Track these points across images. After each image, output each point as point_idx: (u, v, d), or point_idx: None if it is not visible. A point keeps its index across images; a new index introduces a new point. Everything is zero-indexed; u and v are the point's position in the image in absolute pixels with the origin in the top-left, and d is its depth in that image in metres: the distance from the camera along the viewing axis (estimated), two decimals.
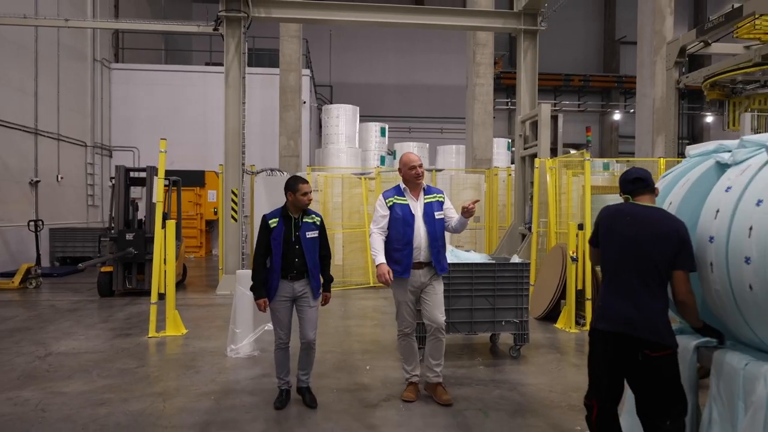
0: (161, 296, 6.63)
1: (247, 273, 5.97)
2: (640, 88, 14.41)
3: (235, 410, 4.23)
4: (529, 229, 9.04)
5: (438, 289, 4.37)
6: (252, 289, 4.18)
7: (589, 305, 6.76)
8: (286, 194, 4.16)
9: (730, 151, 3.00)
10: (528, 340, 5.64)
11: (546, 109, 8.70)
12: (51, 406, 4.27)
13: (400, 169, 4.42)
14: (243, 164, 9.80)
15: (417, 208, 4.31)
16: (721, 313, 2.84)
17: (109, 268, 9.11)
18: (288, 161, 13.72)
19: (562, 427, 3.90)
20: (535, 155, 9.06)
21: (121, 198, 9.27)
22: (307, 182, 4.16)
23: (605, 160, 14.10)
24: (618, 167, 14.26)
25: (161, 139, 6.71)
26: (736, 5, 9.09)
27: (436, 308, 4.32)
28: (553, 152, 8.87)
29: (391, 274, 4.17)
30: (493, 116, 15.76)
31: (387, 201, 4.32)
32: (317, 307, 4.26)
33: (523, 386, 4.79)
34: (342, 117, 14.72)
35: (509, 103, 26.03)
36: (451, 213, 4.44)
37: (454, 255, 5.78)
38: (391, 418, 4.10)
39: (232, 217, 9.72)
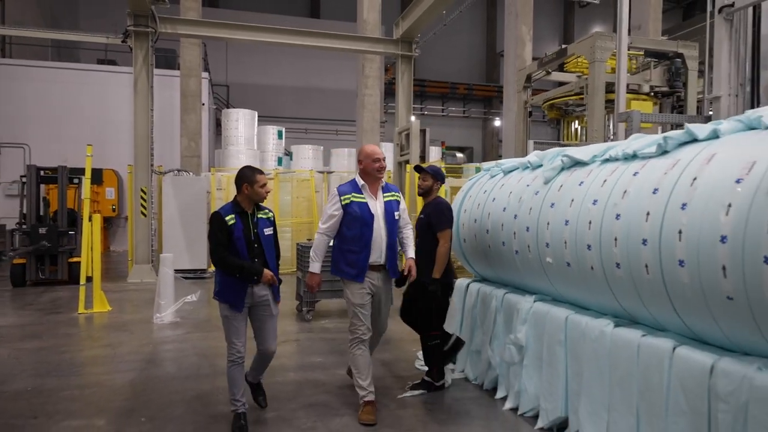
0: (89, 279, 8.04)
1: (170, 256, 7.66)
2: (507, 102, 17.25)
3: (172, 351, 5.95)
4: None
5: (390, 296, 4.33)
6: (247, 272, 3.74)
7: None
8: (239, 186, 3.76)
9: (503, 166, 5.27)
10: (392, 302, 7.80)
11: (416, 123, 10.98)
12: (22, 357, 5.74)
13: (360, 161, 4.15)
14: (152, 165, 11.19)
15: (377, 206, 4.08)
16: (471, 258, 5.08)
17: (22, 260, 10.15)
18: (189, 161, 15.01)
19: (402, 354, 6.04)
20: (408, 161, 11.34)
21: (33, 195, 10.33)
22: (263, 173, 3.84)
23: (475, 165, 16.78)
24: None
25: (88, 144, 8.12)
26: (579, 40, 11.95)
27: (386, 314, 4.31)
28: (422, 159, 11.18)
29: (320, 287, 4.19)
30: (382, 121, 18.03)
31: (343, 198, 4.01)
32: (278, 314, 4.04)
33: (392, 330, 6.92)
34: (241, 120, 16.29)
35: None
36: (404, 215, 4.30)
37: None
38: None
39: (142, 213, 11.08)
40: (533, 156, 4.53)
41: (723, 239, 2.45)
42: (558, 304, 3.93)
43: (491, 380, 4.60)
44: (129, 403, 4.42)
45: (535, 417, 3.96)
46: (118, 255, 16.84)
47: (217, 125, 22.86)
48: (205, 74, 19.14)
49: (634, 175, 3.18)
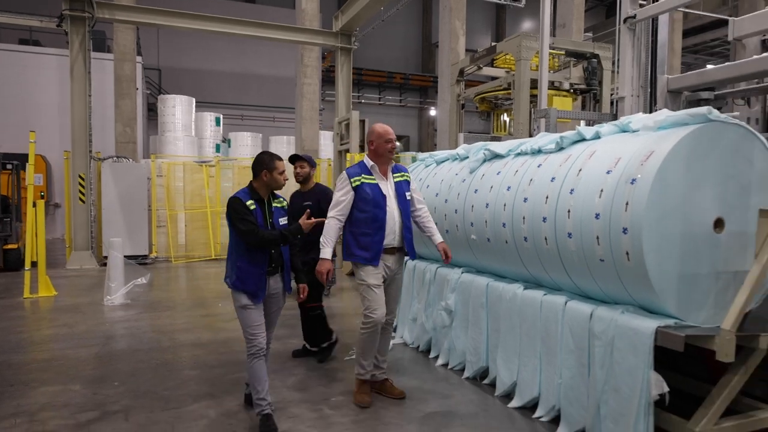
0: (34, 264, 8.24)
1: (119, 240, 8.01)
2: (441, 94, 18.20)
3: (129, 329, 6.40)
4: None
5: (402, 279, 4.33)
6: (293, 235, 3.64)
7: None
8: (258, 172, 3.65)
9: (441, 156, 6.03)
10: (335, 281, 8.49)
11: (355, 114, 11.63)
12: None
13: (371, 142, 4.07)
14: (90, 151, 11.30)
15: (388, 187, 4.06)
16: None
17: None
18: (125, 147, 15.00)
19: (347, 326, 6.76)
20: (348, 150, 11.99)
21: None
22: (282, 159, 3.73)
23: (411, 154, 17.63)
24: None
25: (30, 131, 8.26)
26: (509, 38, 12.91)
27: (396, 300, 4.28)
28: (362, 148, 11.86)
29: (331, 275, 4.10)
30: (321, 109, 18.54)
31: (352, 180, 3.97)
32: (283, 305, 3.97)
33: (331, 308, 7.62)
34: (179, 106, 16.40)
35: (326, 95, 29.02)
36: (416, 195, 4.27)
37: None
38: None
39: (80, 199, 11.19)
40: (461, 149, 5.33)
41: (597, 216, 3.30)
42: (481, 274, 4.74)
43: (425, 343, 5.39)
44: (99, 372, 4.90)
45: (462, 369, 4.79)
46: (50, 242, 16.57)
47: (150, 110, 22.60)
48: (139, 58, 18.98)
49: (539, 166, 4.01)
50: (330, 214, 4.03)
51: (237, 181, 13.53)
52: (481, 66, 14.07)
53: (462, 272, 4.91)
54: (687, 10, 13.57)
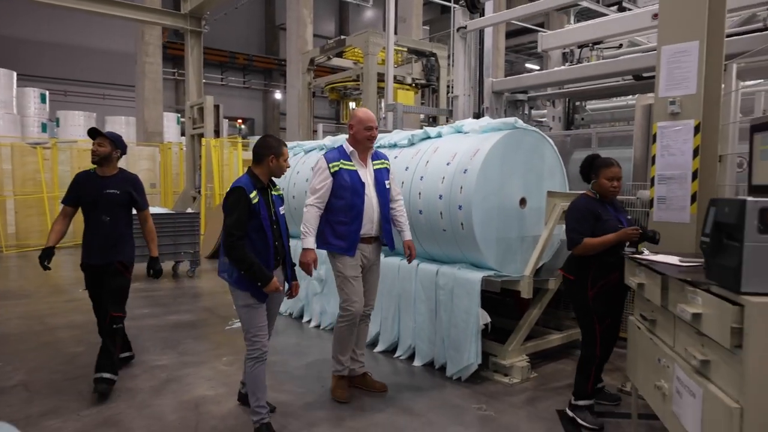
0: None
1: None
2: (290, 80, 18.86)
3: None
4: (199, 192, 12.32)
5: (379, 269, 4.24)
6: (259, 277, 3.30)
7: None
8: (262, 158, 3.46)
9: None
10: (199, 264, 9.01)
11: (210, 100, 12.00)
12: None
13: (351, 126, 4.00)
14: None
15: (366, 175, 3.99)
16: None
17: None
18: None
19: (219, 302, 7.42)
20: (202, 135, 12.31)
21: None
22: (286, 144, 3.58)
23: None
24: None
25: None
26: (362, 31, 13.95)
27: (374, 291, 4.21)
28: (216, 133, 12.26)
29: (316, 265, 4.00)
30: (162, 92, 18.17)
31: (331, 165, 3.89)
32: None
33: (199, 288, 8.17)
34: None
35: (176, 74, 28.17)
36: (394, 186, 4.15)
37: None
38: None
39: None
40: (327, 140, 6.28)
41: (440, 197, 4.48)
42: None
43: (299, 310, 6.31)
44: None
45: (375, 344, 5.64)
46: None
47: None
48: None
49: (395, 158, 5.12)
50: (309, 201, 3.92)
51: (76, 164, 13.08)
52: (331, 57, 15.05)
53: None
54: (509, 18, 15.73)
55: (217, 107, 12.10)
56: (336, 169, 3.90)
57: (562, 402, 3.99)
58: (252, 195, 3.34)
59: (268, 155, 3.44)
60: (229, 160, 12.52)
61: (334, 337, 4.13)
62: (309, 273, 3.95)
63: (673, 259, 2.99)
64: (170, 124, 19.39)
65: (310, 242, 3.93)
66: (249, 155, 13.85)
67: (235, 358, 5.03)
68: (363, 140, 3.96)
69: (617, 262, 3.54)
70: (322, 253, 5.87)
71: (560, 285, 4.79)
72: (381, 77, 11.91)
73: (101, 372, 4.13)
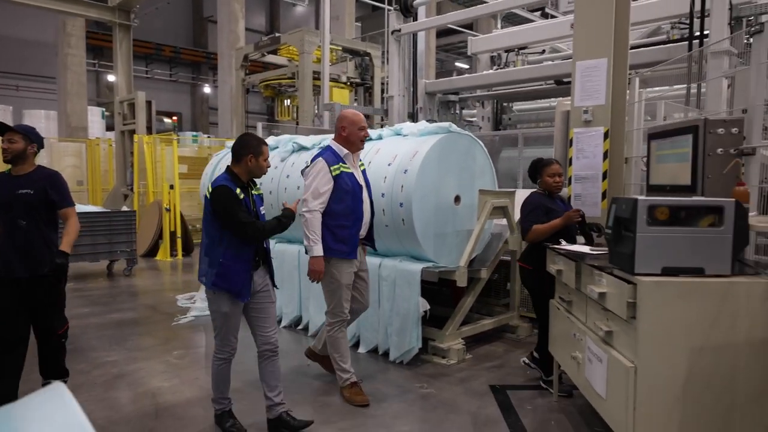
0: None
1: None
2: (222, 75, 18.75)
3: None
4: (131, 189, 12.18)
5: (367, 272, 4.30)
6: (286, 221, 3.47)
7: (179, 242, 10.54)
8: (241, 157, 3.40)
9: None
10: (136, 262, 9.03)
11: (142, 96, 11.88)
12: None
13: (343, 128, 3.97)
14: None
15: (359, 177, 4.03)
16: None
17: None
18: None
19: (161, 300, 7.53)
20: (133, 131, 12.17)
21: None
22: (267, 144, 3.52)
23: (192, 133, 18.01)
24: (204, 138, 18.50)
25: None
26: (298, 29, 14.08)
27: (368, 290, 4.30)
28: (149, 130, 12.16)
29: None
30: (86, 85, 17.63)
31: (333, 169, 3.83)
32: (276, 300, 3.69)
33: (136, 286, 8.22)
34: None
35: (97, 65, 27.17)
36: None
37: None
38: None
39: None
40: (271, 140, 6.55)
41: (383, 195, 4.88)
42: (292, 243, 6.08)
43: None
44: None
45: (279, 321, 6.08)
46: None
47: None
48: None
49: None
50: (311, 206, 3.81)
51: None
52: (265, 54, 15.14)
53: (276, 242, 6.18)
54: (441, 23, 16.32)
55: (149, 103, 12.00)
56: (337, 172, 3.85)
57: (493, 379, 4.50)
58: (238, 191, 3.31)
59: (247, 154, 3.38)
60: (161, 157, 12.41)
61: (331, 348, 4.10)
62: (318, 280, 3.92)
63: (585, 249, 3.53)
64: (95, 119, 18.82)
65: (319, 249, 3.81)
66: (183, 152, 13.79)
67: (186, 352, 5.25)
68: (357, 141, 3.98)
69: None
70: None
71: (491, 274, 5.33)
72: (316, 75, 12.17)
73: (51, 379, 3.88)
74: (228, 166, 3.46)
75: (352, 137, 3.96)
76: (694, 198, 2.87)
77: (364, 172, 4.16)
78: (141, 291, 8.00)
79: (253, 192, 3.50)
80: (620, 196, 3.45)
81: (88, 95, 21.59)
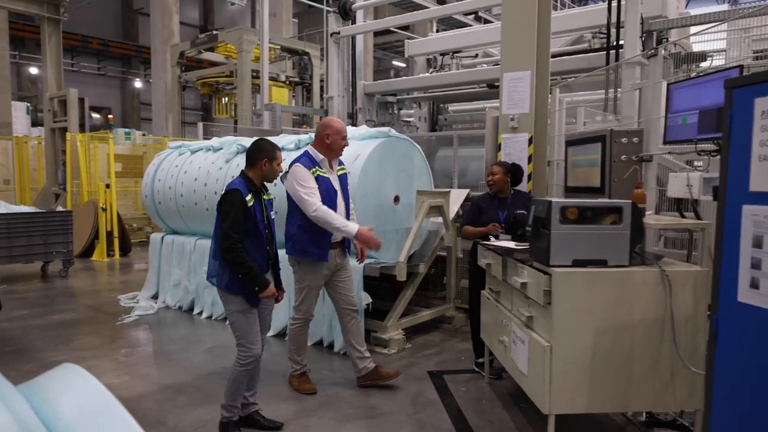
0: None
1: None
2: (156, 71, 18.47)
3: None
4: (64, 188, 11.92)
5: (350, 268, 4.41)
6: (257, 281, 3.34)
7: (116, 242, 10.45)
8: (255, 161, 3.48)
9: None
10: (73, 263, 8.94)
11: (74, 93, 11.63)
12: None
13: (327, 135, 4.11)
14: None
15: (335, 182, 4.18)
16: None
17: None
18: None
19: (102, 301, 7.54)
20: (65, 129, 11.90)
21: None
22: (280, 149, 3.60)
23: (124, 130, 17.61)
24: (138, 135, 18.14)
25: None
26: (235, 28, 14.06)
27: (352, 289, 4.41)
28: (81, 128, 11.92)
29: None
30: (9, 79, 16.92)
31: (312, 171, 4.03)
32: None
33: (74, 287, 8.17)
34: None
35: (17, 57, 25.99)
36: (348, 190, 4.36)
37: (5, 207, 8.48)
38: None
39: None
40: (215, 141, 6.73)
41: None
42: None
43: (189, 303, 6.71)
44: None
45: (224, 319, 6.22)
46: None
47: None
48: None
49: (283, 160, 5.72)
50: (315, 202, 3.92)
51: None
52: (202, 51, 15.07)
53: (197, 238, 6.41)
54: (379, 27, 16.69)
55: (81, 100, 11.77)
56: (315, 175, 4.02)
57: (432, 365, 4.91)
58: (248, 198, 3.34)
59: (262, 159, 3.45)
60: (95, 155, 12.20)
61: (289, 340, 4.39)
62: (378, 246, 4.07)
63: (511, 244, 3.97)
64: (19, 114, 18.06)
65: (354, 226, 3.97)
66: (117, 149, 13.53)
67: (134, 350, 5.39)
68: (338, 149, 4.16)
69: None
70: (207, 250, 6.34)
71: (429, 269, 5.74)
72: (255, 74, 12.25)
73: None
74: (242, 170, 3.52)
75: (335, 145, 4.13)
76: (599, 200, 3.34)
77: (344, 176, 4.30)
78: (80, 292, 7.96)
79: (265, 197, 3.55)
80: (538, 198, 3.90)
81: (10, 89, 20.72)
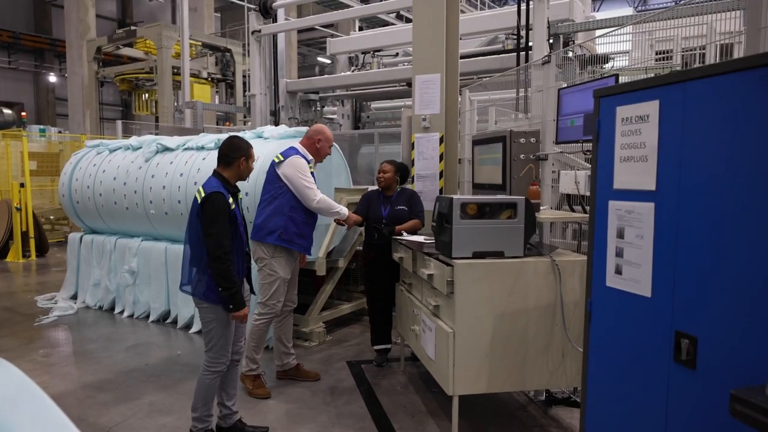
0: None
1: None
2: (71, 66, 17.54)
3: None
4: None
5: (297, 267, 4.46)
6: (235, 300, 3.16)
7: (32, 242, 9.93)
8: (233, 160, 3.31)
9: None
10: None
11: None
12: None
13: (318, 140, 4.29)
14: None
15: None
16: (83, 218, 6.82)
17: None
18: None
19: (18, 302, 7.19)
20: None
21: None
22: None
23: (39, 126, 16.67)
24: (54, 132, 17.20)
25: None
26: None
27: (296, 288, 4.50)
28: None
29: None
30: None
31: (309, 166, 4.20)
32: None
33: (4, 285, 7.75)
34: None
35: None
36: None
37: None
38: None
39: None
40: (134, 140, 6.55)
41: (246, 194, 5.18)
42: (158, 241, 6.16)
43: (109, 302, 6.52)
44: None
45: (147, 317, 6.16)
46: None
47: None
48: None
49: (203, 159, 5.68)
50: (318, 193, 4.13)
51: None
52: (120, 46, 14.49)
53: (141, 240, 6.23)
54: (300, 26, 16.59)
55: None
56: (312, 170, 4.21)
57: (351, 356, 5.04)
58: (230, 201, 3.19)
59: (239, 157, 3.31)
60: (6, 153, 11.51)
61: (250, 337, 4.13)
62: (362, 224, 4.58)
63: (421, 239, 4.14)
64: None
65: (344, 209, 4.34)
66: (31, 147, 12.81)
67: (53, 351, 5.22)
68: (324, 155, 4.42)
69: (371, 242, 4.66)
70: (134, 246, 6.19)
71: (349, 263, 5.85)
72: (176, 70, 11.91)
73: None
74: (216, 170, 3.33)
75: (323, 151, 4.36)
76: (496, 196, 3.56)
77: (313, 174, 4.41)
78: (9, 290, 7.55)
79: (240, 197, 3.42)
80: (441, 195, 4.08)
81: None
